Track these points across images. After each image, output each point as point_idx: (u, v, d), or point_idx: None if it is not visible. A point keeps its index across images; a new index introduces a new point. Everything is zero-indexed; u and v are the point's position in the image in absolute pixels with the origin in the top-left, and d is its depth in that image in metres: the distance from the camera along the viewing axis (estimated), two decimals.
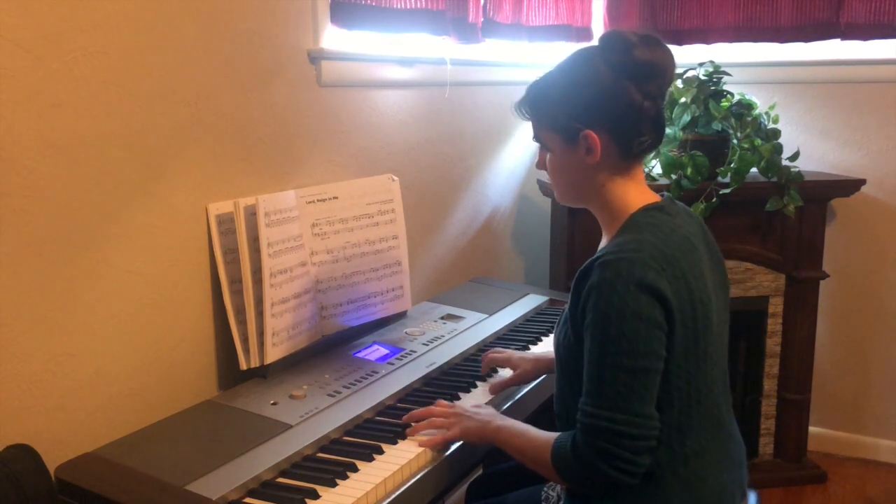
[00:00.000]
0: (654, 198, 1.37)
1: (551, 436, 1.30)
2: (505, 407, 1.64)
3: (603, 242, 1.40)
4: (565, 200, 1.43)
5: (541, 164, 1.43)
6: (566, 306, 1.33)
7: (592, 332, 1.22)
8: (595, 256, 1.26)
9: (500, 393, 1.67)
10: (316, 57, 1.89)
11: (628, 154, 1.33)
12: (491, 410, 1.48)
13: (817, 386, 2.85)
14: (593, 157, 1.31)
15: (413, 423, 1.48)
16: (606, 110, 1.29)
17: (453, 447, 1.45)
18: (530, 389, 1.73)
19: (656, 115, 1.32)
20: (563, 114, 1.33)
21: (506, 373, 1.73)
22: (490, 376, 1.75)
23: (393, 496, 1.32)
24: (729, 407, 1.39)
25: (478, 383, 1.72)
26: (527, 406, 1.71)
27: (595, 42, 1.34)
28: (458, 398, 1.65)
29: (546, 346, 1.96)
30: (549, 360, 1.68)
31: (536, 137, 1.40)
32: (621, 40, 1.30)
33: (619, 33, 1.31)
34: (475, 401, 1.63)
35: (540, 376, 1.71)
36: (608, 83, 1.29)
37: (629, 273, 1.20)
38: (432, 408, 1.51)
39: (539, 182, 2.77)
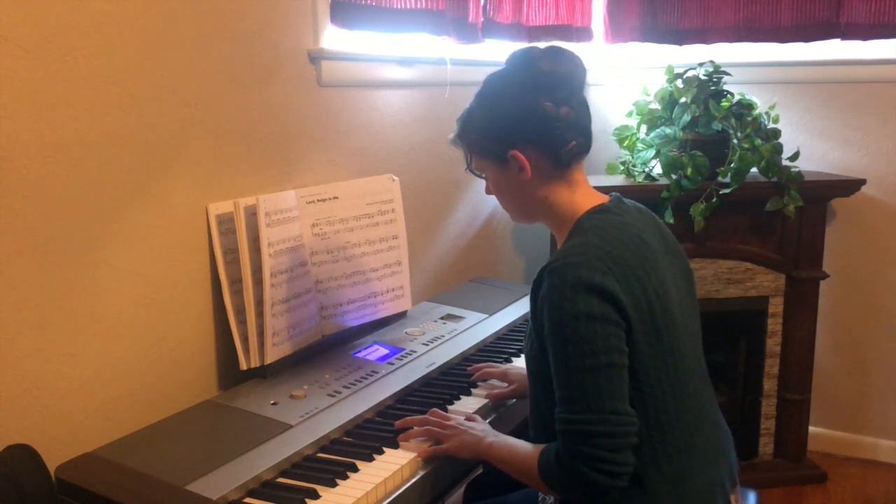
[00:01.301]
0: (601, 199, 1.38)
1: (538, 448, 1.30)
2: (493, 417, 1.62)
3: None
4: (519, 220, 1.46)
5: (488, 190, 1.45)
6: (529, 318, 1.34)
7: (551, 340, 1.23)
8: (545, 265, 1.27)
9: (496, 401, 1.66)
10: (316, 57, 1.89)
11: (560, 163, 1.34)
12: (485, 426, 1.47)
13: (817, 386, 2.85)
14: (526, 175, 1.34)
15: (408, 433, 1.48)
16: (525, 127, 1.32)
17: None
18: (519, 400, 1.71)
19: (577, 119, 1.34)
20: (487, 140, 1.36)
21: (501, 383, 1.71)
22: (483, 382, 1.73)
23: (393, 496, 1.32)
24: (711, 396, 1.39)
25: (478, 383, 1.72)
26: (515, 417, 1.69)
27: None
28: (458, 399, 1.65)
29: None
30: None
31: (470, 167, 1.43)
32: (524, 56, 1.34)
33: (524, 50, 1.35)
34: (474, 402, 1.63)
35: None
36: (520, 100, 1.32)
37: (575, 277, 1.21)
38: (428, 416, 1.51)
39: None
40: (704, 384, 1.38)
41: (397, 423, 1.50)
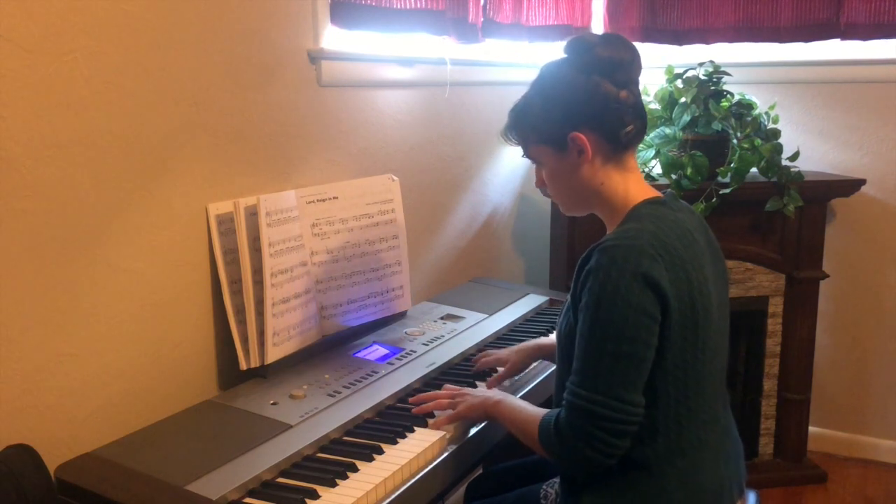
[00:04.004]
0: (655, 193, 1.40)
1: (542, 412, 1.33)
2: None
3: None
4: (571, 210, 1.46)
5: (539, 183, 1.46)
6: (568, 295, 1.35)
7: (584, 314, 1.25)
8: (596, 243, 1.29)
9: (498, 387, 1.69)
10: (316, 57, 1.89)
11: (618, 146, 1.36)
12: (496, 390, 1.54)
13: (817, 386, 2.85)
14: (586, 157, 1.35)
15: (419, 407, 1.54)
16: (586, 109, 1.34)
17: (452, 448, 1.46)
18: (534, 386, 1.74)
19: (635, 102, 1.36)
20: (546, 124, 1.37)
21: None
22: (488, 375, 1.76)
23: (393, 496, 1.32)
24: (726, 403, 1.41)
25: (477, 383, 1.72)
26: (531, 401, 1.71)
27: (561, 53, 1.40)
28: None
29: None
30: (532, 348, 1.75)
31: (527, 155, 1.44)
32: (583, 43, 1.36)
33: (581, 37, 1.38)
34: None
35: (530, 363, 1.76)
36: (581, 83, 1.33)
37: (624, 260, 1.22)
38: (438, 392, 1.57)
39: None
40: (723, 390, 1.39)
41: (411, 399, 1.56)
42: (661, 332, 1.24)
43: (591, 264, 1.26)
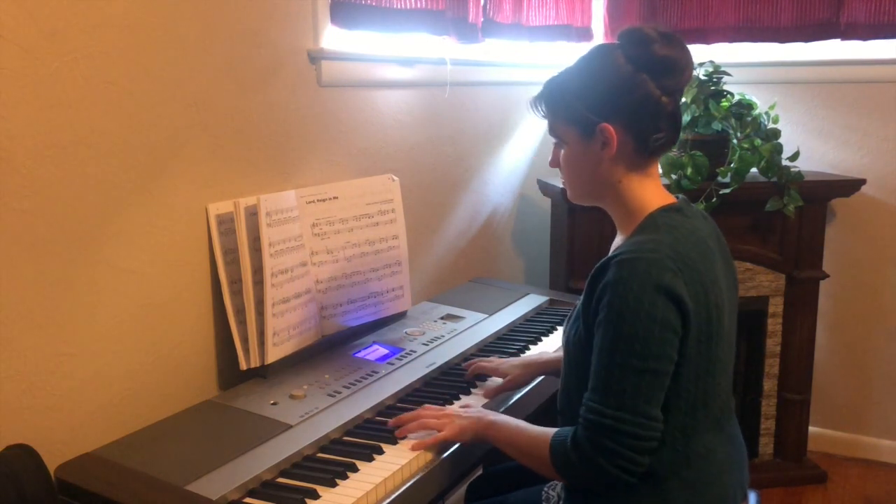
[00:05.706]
0: (670, 198, 1.36)
1: (548, 431, 1.29)
2: (501, 410, 1.63)
3: (617, 241, 1.39)
4: (579, 198, 1.41)
5: (554, 163, 1.41)
6: (579, 302, 1.32)
7: (605, 329, 1.21)
8: (612, 254, 1.25)
9: (496, 398, 1.66)
10: (316, 57, 1.89)
11: (644, 150, 1.32)
12: (480, 409, 1.48)
13: (817, 386, 2.84)
14: (609, 151, 1.31)
15: (403, 428, 1.47)
16: (624, 103, 1.29)
17: (453, 447, 1.45)
18: (528, 391, 1.72)
19: (673, 112, 1.32)
20: (580, 106, 1.32)
21: (497, 380, 1.71)
22: (481, 381, 1.73)
23: (393, 496, 1.32)
24: (731, 409, 1.39)
25: (477, 383, 1.72)
26: (525, 408, 1.70)
27: (614, 40, 1.34)
28: (458, 399, 1.65)
29: (545, 346, 1.97)
30: (540, 364, 1.68)
31: (552, 131, 1.39)
32: (641, 35, 1.30)
33: (639, 29, 1.31)
34: (474, 401, 1.63)
35: (533, 380, 1.71)
36: (627, 76, 1.29)
37: (646, 273, 1.19)
38: (421, 410, 1.50)
39: (539, 182, 2.77)
40: (730, 397, 1.38)
41: (391, 421, 1.48)
42: (679, 346, 1.21)
43: (609, 277, 1.21)
